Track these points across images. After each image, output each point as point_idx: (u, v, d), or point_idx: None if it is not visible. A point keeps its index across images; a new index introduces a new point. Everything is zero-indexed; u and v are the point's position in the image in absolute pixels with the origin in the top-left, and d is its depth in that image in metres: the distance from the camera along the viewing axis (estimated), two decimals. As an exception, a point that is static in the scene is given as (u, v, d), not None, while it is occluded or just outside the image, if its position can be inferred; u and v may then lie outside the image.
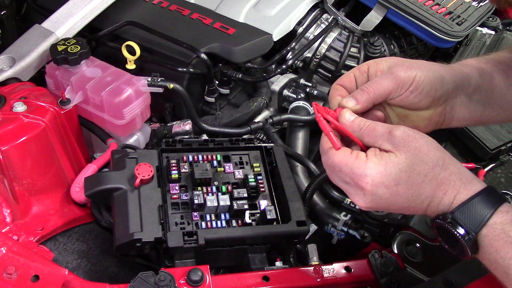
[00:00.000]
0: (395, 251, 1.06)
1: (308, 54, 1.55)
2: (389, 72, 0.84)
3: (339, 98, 0.85)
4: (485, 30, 1.65)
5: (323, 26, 1.55)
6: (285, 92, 1.50)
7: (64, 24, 1.34)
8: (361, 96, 0.83)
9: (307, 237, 1.09)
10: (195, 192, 1.06)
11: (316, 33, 1.54)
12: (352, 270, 1.01)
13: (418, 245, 1.05)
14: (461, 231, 0.72)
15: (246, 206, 1.06)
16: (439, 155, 0.76)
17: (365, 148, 0.79)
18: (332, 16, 1.55)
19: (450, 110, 0.90)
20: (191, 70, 1.39)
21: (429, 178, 0.74)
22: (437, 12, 1.48)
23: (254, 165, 1.17)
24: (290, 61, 1.51)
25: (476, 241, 0.72)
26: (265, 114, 1.47)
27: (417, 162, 0.74)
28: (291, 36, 1.55)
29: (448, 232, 0.73)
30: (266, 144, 1.22)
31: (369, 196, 0.75)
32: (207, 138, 1.27)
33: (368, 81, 0.86)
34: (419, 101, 0.85)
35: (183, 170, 1.10)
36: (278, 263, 1.06)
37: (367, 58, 1.50)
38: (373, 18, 1.48)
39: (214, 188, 1.10)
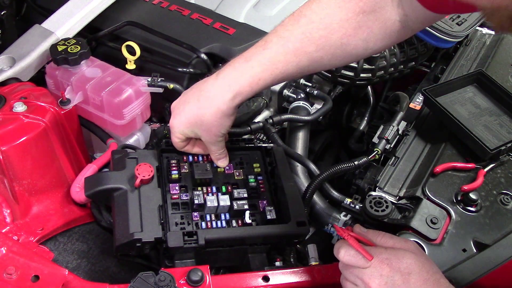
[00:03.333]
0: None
1: (308, 54, 1.54)
2: None
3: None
4: (485, 30, 1.65)
5: (323, 26, 1.55)
6: (285, 92, 1.50)
7: (64, 24, 1.34)
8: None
9: (307, 237, 1.09)
10: (195, 192, 1.06)
11: (316, 33, 1.54)
12: (352, 270, 1.01)
13: (418, 245, 1.05)
14: None
15: (246, 206, 1.06)
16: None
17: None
18: (332, 16, 1.55)
19: None
20: (191, 70, 1.39)
21: (433, 278, 0.85)
22: (437, 12, 1.48)
23: (254, 165, 1.17)
24: (290, 61, 1.50)
25: None
26: (265, 114, 1.47)
27: (425, 261, 0.87)
28: (291, 36, 1.55)
29: None
30: (266, 144, 1.23)
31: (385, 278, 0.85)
32: (207, 138, 1.27)
33: None
34: None
35: (183, 170, 1.10)
36: (278, 263, 1.06)
37: (367, 58, 1.50)
38: (373, 18, 1.48)
39: (214, 188, 1.10)
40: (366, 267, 0.86)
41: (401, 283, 0.84)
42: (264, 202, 1.10)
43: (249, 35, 1.46)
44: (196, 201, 1.04)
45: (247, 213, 1.06)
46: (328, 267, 1.02)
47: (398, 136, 1.30)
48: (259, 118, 1.44)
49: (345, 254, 0.89)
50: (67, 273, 0.89)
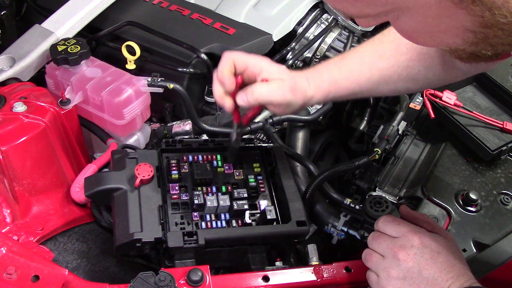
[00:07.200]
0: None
1: (308, 54, 1.55)
2: None
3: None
4: (485, 30, 1.65)
5: (323, 26, 1.55)
6: (285, 92, 1.50)
7: (64, 24, 1.34)
8: None
9: (307, 237, 1.09)
10: (195, 192, 1.06)
11: (316, 33, 1.54)
12: (352, 270, 1.01)
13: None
14: None
15: (246, 206, 1.06)
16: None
17: None
18: (332, 16, 1.55)
19: None
20: (191, 70, 1.39)
21: (460, 266, 0.86)
22: (437, 12, 1.48)
23: (254, 165, 1.17)
24: (290, 61, 1.51)
25: None
26: (265, 114, 1.47)
27: (457, 250, 0.90)
28: (291, 36, 1.55)
29: None
30: (266, 144, 1.23)
31: (417, 249, 0.87)
32: (207, 138, 1.27)
33: None
34: None
35: (183, 170, 1.10)
36: (278, 263, 1.06)
37: (367, 58, 1.50)
38: (373, 18, 1.48)
39: (214, 188, 1.10)
40: (399, 236, 0.89)
41: (429, 258, 0.86)
42: (264, 202, 1.10)
43: (249, 35, 1.46)
44: (196, 201, 1.04)
45: (247, 213, 1.06)
46: (328, 267, 1.02)
47: (398, 136, 1.30)
48: (259, 118, 1.44)
49: (383, 220, 0.93)
50: (67, 273, 0.89)
